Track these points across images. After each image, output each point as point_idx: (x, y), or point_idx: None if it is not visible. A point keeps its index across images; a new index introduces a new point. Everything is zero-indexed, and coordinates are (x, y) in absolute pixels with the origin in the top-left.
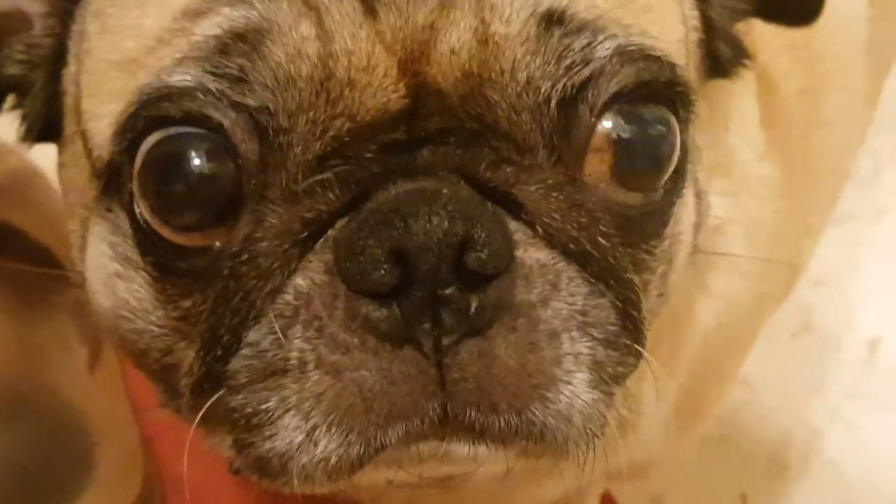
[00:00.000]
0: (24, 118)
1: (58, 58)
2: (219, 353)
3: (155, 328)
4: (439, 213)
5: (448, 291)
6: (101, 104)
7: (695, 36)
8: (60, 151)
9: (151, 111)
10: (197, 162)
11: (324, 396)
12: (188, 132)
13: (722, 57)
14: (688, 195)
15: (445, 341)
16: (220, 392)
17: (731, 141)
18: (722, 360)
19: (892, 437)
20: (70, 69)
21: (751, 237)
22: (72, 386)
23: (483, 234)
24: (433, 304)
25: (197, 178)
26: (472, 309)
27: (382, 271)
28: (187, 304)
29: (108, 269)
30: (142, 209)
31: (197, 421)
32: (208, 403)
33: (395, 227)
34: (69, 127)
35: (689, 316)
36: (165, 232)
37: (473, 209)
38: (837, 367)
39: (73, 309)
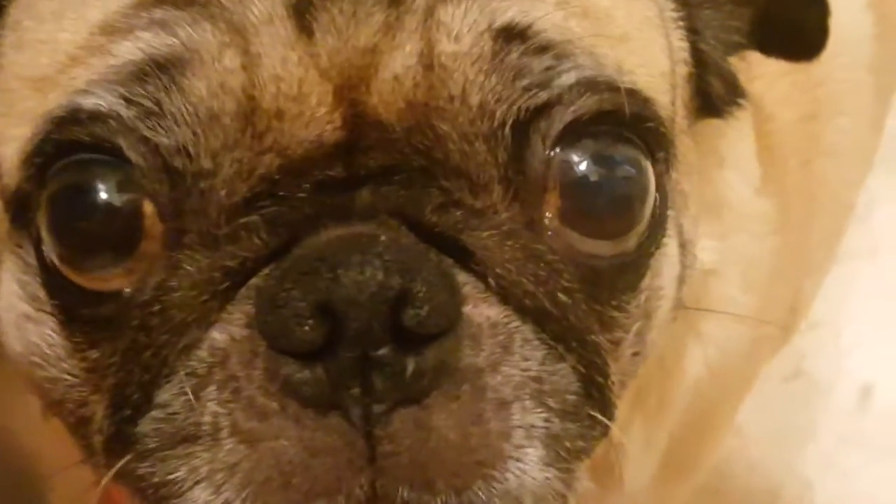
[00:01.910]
0: None
1: None
2: (128, 412)
3: (68, 377)
4: (373, 262)
5: (381, 352)
6: (11, 126)
7: (683, 70)
8: None
9: (61, 135)
10: (103, 194)
11: (238, 468)
12: (97, 160)
13: (714, 94)
14: (669, 245)
15: (376, 409)
16: (128, 457)
17: (725, 177)
18: (715, 410)
19: (886, 485)
20: None
21: (746, 278)
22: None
23: (423, 289)
24: (364, 366)
25: (102, 212)
26: (408, 373)
27: (306, 327)
28: (95, 355)
29: (18, 309)
30: (47, 245)
31: (109, 482)
32: (114, 469)
33: (322, 278)
34: None
35: (679, 363)
36: (69, 272)
37: (413, 259)
38: (830, 413)
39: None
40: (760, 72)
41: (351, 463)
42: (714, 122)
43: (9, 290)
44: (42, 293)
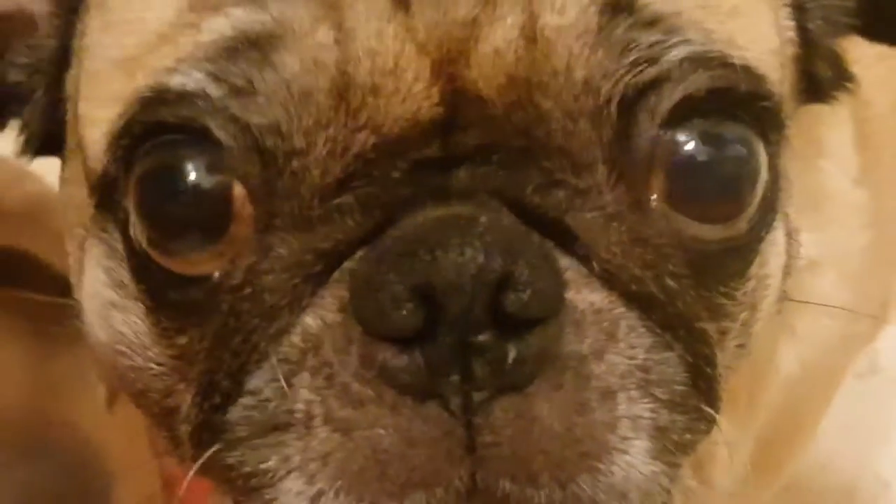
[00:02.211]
0: (23, 128)
1: (62, 60)
2: (217, 400)
3: (154, 366)
4: (473, 244)
5: (481, 338)
6: (97, 108)
7: (790, 50)
8: (63, 166)
9: (147, 116)
10: (192, 176)
11: (331, 458)
12: (185, 141)
13: (820, 77)
14: (778, 233)
15: (476, 398)
16: (217, 446)
17: (824, 167)
18: (805, 409)
19: None
20: (73, 72)
21: (841, 273)
22: (90, 423)
23: (526, 272)
24: (463, 352)
25: (191, 194)
26: (510, 360)
27: (404, 311)
28: (183, 341)
29: (103, 297)
30: (135, 228)
31: (196, 474)
32: (203, 458)
33: (420, 260)
34: (71, 138)
35: (771, 361)
36: (158, 256)
37: (516, 241)
38: None
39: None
40: (856, 55)
41: (450, 453)
42: (813, 108)
43: (93, 277)
44: (128, 279)
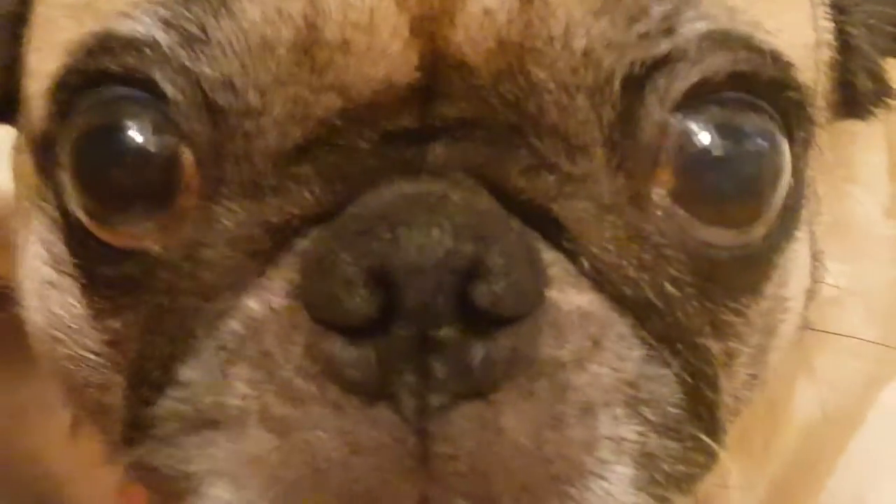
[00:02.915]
0: None
1: (20, 16)
2: (146, 392)
3: (90, 355)
4: (442, 224)
5: (443, 333)
6: (44, 60)
7: (826, 54)
8: (18, 133)
9: (87, 65)
10: (136, 136)
11: (264, 462)
12: (129, 96)
13: (858, 89)
14: (801, 249)
15: (433, 402)
16: (144, 446)
17: (854, 193)
18: (821, 456)
19: None
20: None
21: (868, 310)
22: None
23: (500, 261)
24: (422, 348)
25: (134, 157)
26: (476, 361)
27: (357, 297)
28: (117, 324)
29: (40, 274)
30: (70, 195)
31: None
32: (127, 460)
33: (380, 239)
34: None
35: (789, 403)
36: (95, 227)
37: (492, 225)
38: None
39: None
40: (891, 74)
41: (399, 464)
42: (847, 127)
43: (33, 252)
44: (66, 253)
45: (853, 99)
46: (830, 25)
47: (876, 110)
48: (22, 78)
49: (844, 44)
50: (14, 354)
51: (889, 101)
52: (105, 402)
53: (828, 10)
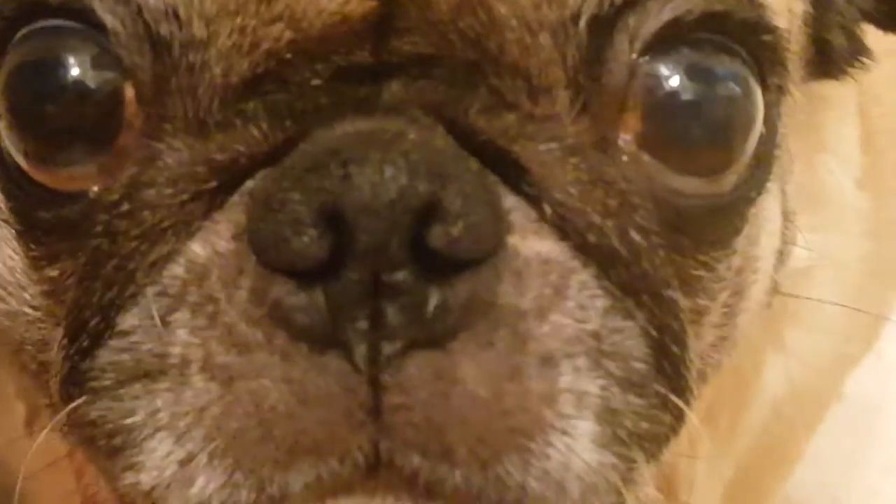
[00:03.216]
0: None
1: None
2: (85, 342)
3: (28, 310)
4: (396, 161)
5: (397, 277)
6: None
7: (800, 7)
8: None
9: None
10: (74, 71)
11: (207, 413)
12: (67, 28)
13: (833, 47)
14: (772, 206)
15: (386, 349)
16: (81, 399)
17: (825, 162)
18: (790, 436)
19: None
20: None
21: (838, 284)
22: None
23: (458, 201)
24: (375, 293)
25: (72, 94)
26: (431, 306)
27: (305, 238)
28: (54, 272)
29: None
30: (5, 134)
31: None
32: (61, 413)
33: (331, 176)
34: None
35: (757, 376)
36: (31, 169)
37: (449, 164)
38: (876, 438)
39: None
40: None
41: (349, 416)
42: (818, 93)
43: None
44: (1, 199)
45: (827, 57)
46: None
47: (850, 70)
48: None
49: (819, 3)
50: None
51: (864, 60)
52: (45, 361)
53: None
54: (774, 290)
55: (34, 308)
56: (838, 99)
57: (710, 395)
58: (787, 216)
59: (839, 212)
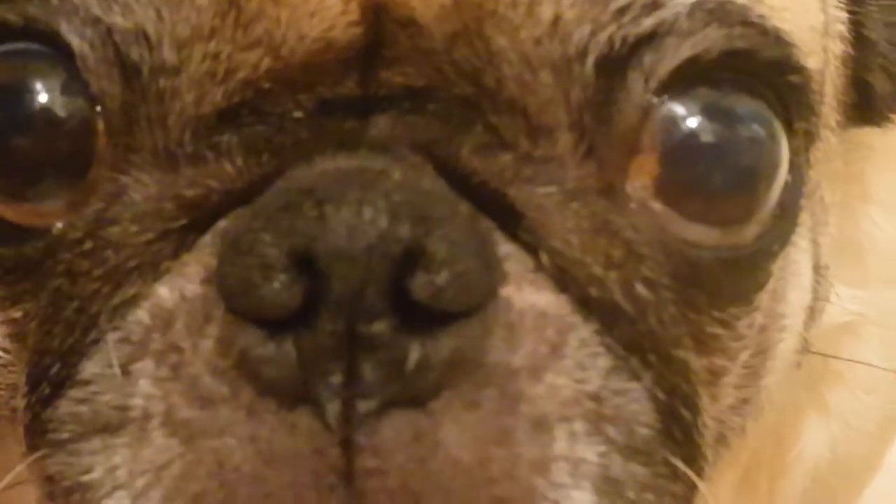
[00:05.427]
0: None
1: None
2: (45, 391)
3: None
4: (376, 203)
5: (375, 328)
6: None
7: (838, 46)
8: None
9: None
10: (42, 98)
11: (166, 472)
12: (35, 52)
13: (875, 92)
14: (801, 259)
15: (361, 407)
16: (41, 452)
17: (869, 213)
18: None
19: None
20: None
21: (885, 342)
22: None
23: (443, 248)
24: (350, 346)
25: (36, 121)
26: (411, 362)
27: (276, 283)
28: (17, 314)
29: None
30: None
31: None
32: (21, 466)
33: (305, 217)
34: None
35: (798, 440)
36: None
37: (435, 206)
38: None
39: None
40: None
41: (319, 479)
42: (861, 140)
43: None
44: None
45: (869, 102)
46: (844, 15)
47: (894, 116)
48: None
49: (859, 37)
50: None
51: None
52: (15, 407)
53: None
54: (805, 349)
55: (4, 350)
56: (883, 146)
57: (747, 459)
58: (819, 270)
59: (884, 265)
